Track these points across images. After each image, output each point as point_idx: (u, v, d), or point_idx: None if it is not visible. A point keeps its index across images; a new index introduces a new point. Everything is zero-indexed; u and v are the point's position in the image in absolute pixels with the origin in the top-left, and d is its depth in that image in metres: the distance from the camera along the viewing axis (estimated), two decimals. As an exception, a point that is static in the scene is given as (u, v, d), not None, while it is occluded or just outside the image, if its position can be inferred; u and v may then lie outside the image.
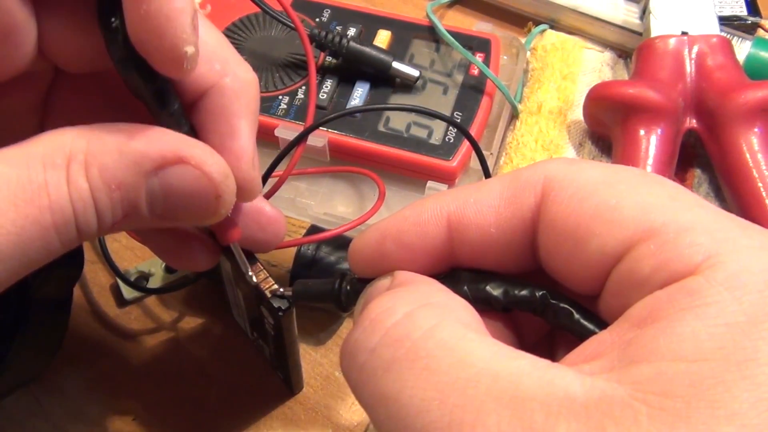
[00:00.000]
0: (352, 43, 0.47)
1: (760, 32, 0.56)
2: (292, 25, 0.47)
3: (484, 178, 0.46)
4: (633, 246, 0.20)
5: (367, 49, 0.48)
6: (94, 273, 0.46)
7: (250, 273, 0.32)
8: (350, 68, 0.48)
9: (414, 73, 0.48)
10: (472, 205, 0.24)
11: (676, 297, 0.19)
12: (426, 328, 0.20)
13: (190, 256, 0.32)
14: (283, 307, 0.32)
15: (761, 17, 0.56)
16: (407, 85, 0.48)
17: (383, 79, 0.48)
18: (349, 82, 0.49)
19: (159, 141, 0.24)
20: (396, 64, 0.48)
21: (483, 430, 0.18)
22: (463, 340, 0.20)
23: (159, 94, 0.26)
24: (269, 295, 0.33)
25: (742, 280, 0.18)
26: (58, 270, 0.36)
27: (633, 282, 0.20)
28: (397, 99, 0.48)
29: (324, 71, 0.49)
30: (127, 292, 0.44)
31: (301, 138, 0.40)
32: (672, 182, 0.22)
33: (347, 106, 0.47)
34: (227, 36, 0.50)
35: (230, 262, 0.33)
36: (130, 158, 0.24)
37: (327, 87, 0.48)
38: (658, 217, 0.20)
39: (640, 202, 0.21)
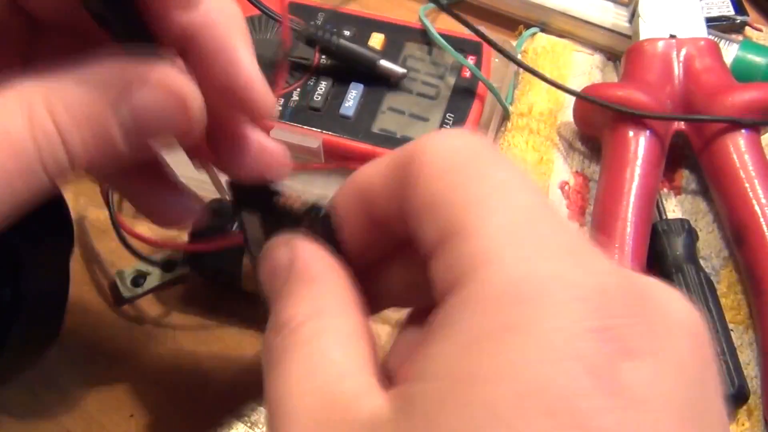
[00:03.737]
0: (341, 41, 0.48)
1: (748, 31, 0.57)
2: (290, 24, 0.48)
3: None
4: (438, 245, 0.21)
5: (355, 46, 0.49)
6: (92, 271, 0.46)
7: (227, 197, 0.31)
8: (343, 69, 0.49)
9: (400, 70, 0.49)
10: (366, 177, 0.25)
11: (439, 317, 0.19)
12: (305, 338, 0.22)
13: (175, 207, 0.32)
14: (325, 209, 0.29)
15: (748, 17, 0.57)
16: (401, 88, 0.49)
17: (377, 81, 0.49)
18: (344, 84, 0.49)
19: (118, 67, 0.24)
20: (383, 62, 0.49)
21: None
22: (324, 354, 0.21)
23: (125, 18, 0.25)
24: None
25: (484, 297, 0.18)
26: (47, 240, 0.36)
27: (432, 281, 0.21)
28: (391, 100, 0.49)
29: (318, 72, 0.50)
30: (125, 291, 0.45)
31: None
32: (514, 173, 0.21)
33: (341, 108, 0.48)
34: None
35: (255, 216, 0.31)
36: (93, 89, 0.23)
37: (321, 89, 0.49)
38: (464, 217, 0.20)
39: (460, 199, 0.21)
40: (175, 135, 0.26)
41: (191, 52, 0.27)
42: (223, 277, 0.44)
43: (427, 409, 0.18)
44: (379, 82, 0.49)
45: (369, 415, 0.19)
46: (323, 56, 0.50)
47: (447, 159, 0.22)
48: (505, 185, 0.21)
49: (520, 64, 0.50)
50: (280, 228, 0.29)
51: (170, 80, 0.25)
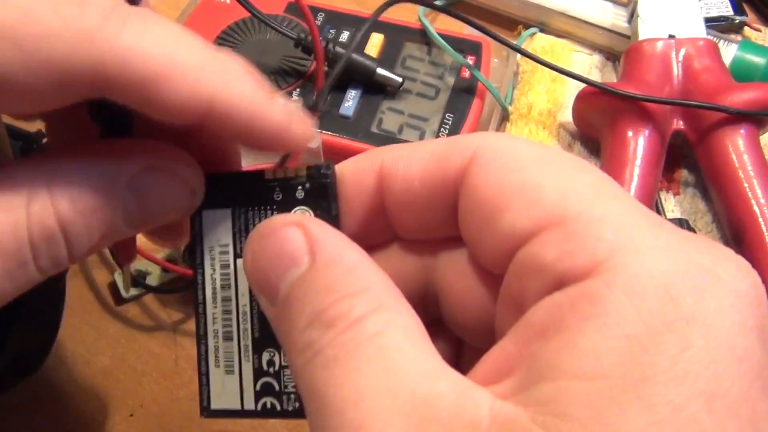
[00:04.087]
0: (338, 48, 0.48)
1: (747, 31, 0.57)
2: (280, 28, 0.48)
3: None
4: (542, 229, 0.20)
5: (354, 54, 0.48)
6: (92, 271, 0.46)
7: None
8: (341, 75, 0.49)
9: (397, 79, 0.49)
10: (403, 158, 0.23)
11: (578, 304, 0.18)
12: (371, 333, 0.20)
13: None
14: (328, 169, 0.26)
15: (747, 17, 0.57)
16: (399, 92, 0.49)
17: (375, 86, 0.49)
18: (341, 89, 0.49)
19: (121, 155, 0.23)
20: (380, 70, 0.49)
21: None
22: (400, 351, 0.19)
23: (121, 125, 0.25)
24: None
25: (643, 285, 0.18)
26: None
27: (534, 266, 0.20)
28: (390, 101, 0.49)
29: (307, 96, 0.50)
30: (125, 291, 0.45)
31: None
32: (600, 173, 0.21)
33: (341, 108, 0.48)
34: (222, 40, 0.51)
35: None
36: (99, 178, 0.22)
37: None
38: (574, 204, 0.20)
39: (561, 186, 0.20)
40: (178, 214, 0.25)
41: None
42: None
43: (592, 412, 0.17)
44: (377, 89, 0.49)
45: (491, 420, 0.18)
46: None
47: (530, 150, 0.21)
48: (594, 173, 0.21)
49: (524, 53, 0.50)
50: (254, 220, 0.26)
51: (179, 167, 0.24)
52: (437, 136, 0.47)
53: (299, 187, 0.27)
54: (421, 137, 0.47)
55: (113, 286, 0.46)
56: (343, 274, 0.21)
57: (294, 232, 0.22)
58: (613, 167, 0.46)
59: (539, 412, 0.17)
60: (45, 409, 0.42)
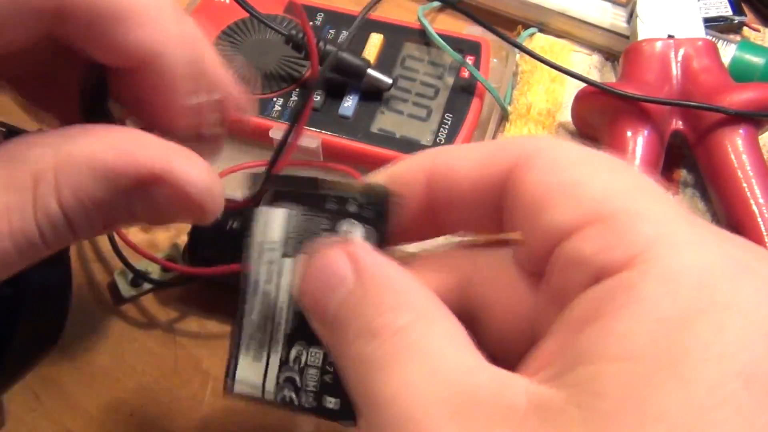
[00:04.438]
0: (329, 47, 0.48)
1: (746, 32, 0.58)
2: (274, 26, 0.48)
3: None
4: (584, 225, 0.21)
5: (343, 54, 0.48)
6: (92, 271, 0.47)
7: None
8: (338, 79, 0.49)
9: (387, 80, 0.48)
10: (454, 159, 0.25)
11: (614, 294, 0.19)
12: (415, 338, 0.21)
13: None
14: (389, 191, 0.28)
15: (746, 17, 0.58)
16: (398, 88, 0.49)
17: (370, 92, 0.49)
18: (338, 95, 0.49)
19: (133, 154, 0.23)
20: (371, 71, 0.48)
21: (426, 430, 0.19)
22: (442, 352, 0.21)
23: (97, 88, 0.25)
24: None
25: (678, 275, 0.18)
26: None
27: (574, 260, 0.21)
28: (390, 100, 0.49)
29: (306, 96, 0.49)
30: (125, 291, 0.45)
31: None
32: (640, 173, 0.22)
33: (340, 108, 0.48)
34: (222, 40, 0.51)
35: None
36: (103, 176, 0.22)
37: (317, 98, 0.49)
38: (614, 201, 0.21)
39: (603, 185, 0.21)
40: (187, 221, 0.26)
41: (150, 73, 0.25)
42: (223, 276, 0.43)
43: (627, 390, 0.17)
44: (373, 95, 0.49)
45: (528, 402, 0.18)
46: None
47: (574, 151, 0.23)
48: (634, 174, 0.22)
49: (525, 50, 0.50)
50: (311, 224, 0.28)
51: (187, 181, 0.24)
52: (436, 136, 0.47)
53: (353, 202, 0.29)
54: (420, 137, 0.47)
55: (113, 286, 0.46)
56: (387, 290, 0.22)
57: (340, 256, 0.23)
58: (612, 167, 0.46)
59: (574, 393, 0.18)
60: (45, 408, 0.42)
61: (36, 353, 0.39)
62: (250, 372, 0.30)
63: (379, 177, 0.27)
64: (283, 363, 0.30)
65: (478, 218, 0.25)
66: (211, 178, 0.25)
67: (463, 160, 0.25)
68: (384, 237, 0.27)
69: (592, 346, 0.18)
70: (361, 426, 0.21)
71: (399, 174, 0.26)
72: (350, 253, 0.23)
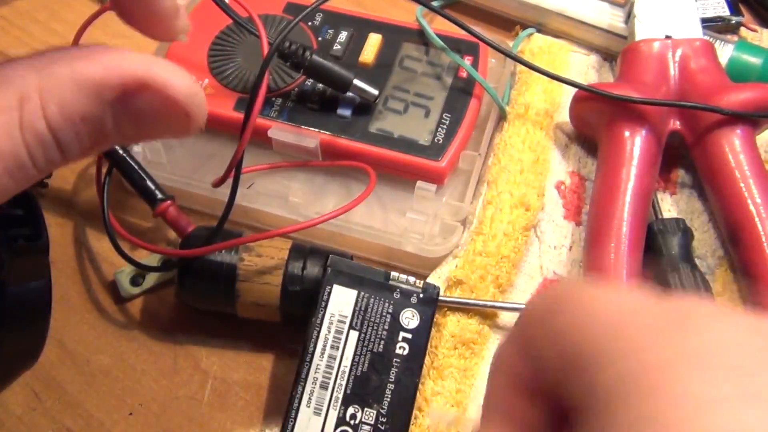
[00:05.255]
0: (314, 57, 0.47)
1: (743, 32, 0.58)
2: (253, 31, 0.47)
3: (473, 178, 0.47)
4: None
5: (329, 64, 0.47)
6: (92, 270, 0.47)
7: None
8: (330, 92, 0.49)
9: (373, 92, 0.48)
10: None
11: None
12: None
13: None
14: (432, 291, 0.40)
15: (743, 17, 0.58)
16: (397, 87, 0.49)
17: (364, 106, 0.49)
18: (332, 109, 0.49)
19: (116, 65, 0.23)
20: (357, 81, 0.48)
21: None
22: None
23: None
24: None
25: None
26: (21, 240, 0.36)
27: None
28: (388, 100, 0.49)
29: (303, 96, 0.49)
30: (124, 290, 0.45)
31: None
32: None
33: (338, 108, 0.48)
34: (220, 41, 0.52)
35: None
36: (88, 89, 0.23)
37: (319, 88, 0.49)
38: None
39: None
40: (173, 133, 0.25)
41: None
42: (216, 304, 0.43)
43: None
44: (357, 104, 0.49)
45: None
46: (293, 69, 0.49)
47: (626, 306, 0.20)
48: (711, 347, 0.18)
49: (518, 60, 0.50)
50: (378, 306, 0.39)
51: (171, 85, 0.24)
52: (434, 136, 0.47)
53: (414, 295, 0.39)
54: (418, 137, 0.47)
55: (113, 286, 0.46)
56: None
57: None
58: (610, 167, 0.46)
59: None
60: (44, 408, 0.42)
61: (16, 368, 0.38)
62: (308, 424, 0.36)
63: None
64: (340, 419, 0.36)
65: None
66: (193, 84, 0.25)
67: (510, 354, 0.22)
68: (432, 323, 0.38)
69: None
70: None
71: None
72: None
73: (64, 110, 0.22)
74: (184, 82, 0.24)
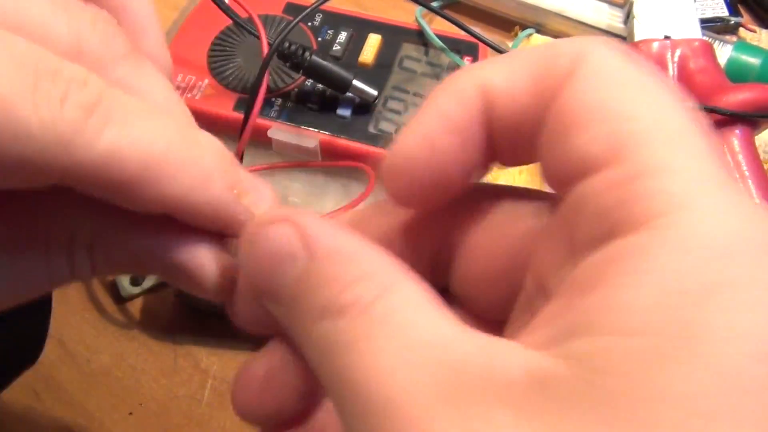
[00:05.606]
0: (314, 57, 0.47)
1: (742, 32, 0.58)
2: (255, 33, 0.47)
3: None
4: (608, 162, 0.18)
5: (328, 65, 0.47)
6: (92, 271, 0.47)
7: None
8: (330, 93, 0.49)
9: (372, 92, 0.48)
10: (505, 74, 0.21)
11: (623, 258, 0.17)
12: (384, 313, 0.19)
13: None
14: None
15: (742, 18, 0.58)
16: (396, 86, 0.50)
17: (364, 107, 0.49)
18: (331, 109, 0.49)
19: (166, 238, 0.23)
20: (356, 82, 0.48)
21: (418, 421, 0.17)
22: (416, 325, 0.18)
23: None
24: None
25: (698, 244, 0.16)
26: None
27: (590, 208, 0.18)
28: (388, 101, 0.49)
29: (303, 96, 0.50)
30: (124, 290, 0.45)
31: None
32: (697, 118, 0.19)
33: (338, 108, 0.48)
34: (219, 41, 0.52)
35: None
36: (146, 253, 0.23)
37: (318, 88, 0.49)
38: (652, 144, 0.18)
39: (646, 118, 0.18)
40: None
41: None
42: (211, 307, 0.43)
43: (639, 369, 0.15)
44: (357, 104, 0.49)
45: (527, 375, 0.16)
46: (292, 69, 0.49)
47: (626, 65, 0.19)
48: (695, 120, 0.19)
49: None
50: None
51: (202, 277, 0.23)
52: (434, 136, 0.47)
53: None
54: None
55: (113, 285, 0.46)
56: (345, 262, 0.20)
57: (285, 229, 0.21)
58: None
59: (575, 366, 0.16)
60: (44, 407, 0.42)
61: (16, 368, 0.38)
62: None
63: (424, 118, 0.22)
64: None
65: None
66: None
67: (502, 74, 0.21)
68: None
69: (592, 316, 0.17)
70: (341, 418, 0.19)
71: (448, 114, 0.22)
72: (297, 226, 0.21)
73: (112, 267, 0.24)
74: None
